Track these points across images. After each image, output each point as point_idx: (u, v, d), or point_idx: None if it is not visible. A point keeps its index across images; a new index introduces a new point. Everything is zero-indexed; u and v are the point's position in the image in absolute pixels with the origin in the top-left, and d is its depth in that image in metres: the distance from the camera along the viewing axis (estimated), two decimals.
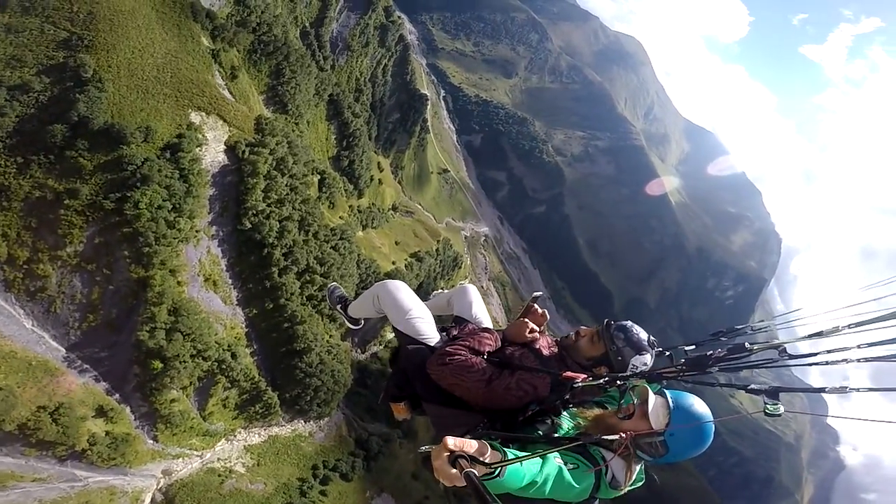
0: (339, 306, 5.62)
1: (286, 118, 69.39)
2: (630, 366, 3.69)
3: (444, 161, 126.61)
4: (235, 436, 53.25)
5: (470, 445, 2.24)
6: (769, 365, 2.87)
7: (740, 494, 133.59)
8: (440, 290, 5.36)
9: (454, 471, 2.13)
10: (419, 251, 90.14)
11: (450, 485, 2.18)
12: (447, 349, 3.94)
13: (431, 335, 4.26)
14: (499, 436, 3.29)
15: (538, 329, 4.23)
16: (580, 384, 3.56)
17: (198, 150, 49.36)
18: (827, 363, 2.54)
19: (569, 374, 3.66)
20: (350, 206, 79.05)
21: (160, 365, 44.45)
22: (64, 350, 43.21)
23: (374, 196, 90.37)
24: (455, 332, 4.30)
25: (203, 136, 50.52)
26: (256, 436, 55.28)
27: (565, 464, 2.89)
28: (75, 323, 43.64)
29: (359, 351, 73.06)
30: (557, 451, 2.95)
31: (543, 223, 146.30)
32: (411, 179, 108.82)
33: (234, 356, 50.80)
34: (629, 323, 3.84)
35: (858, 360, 2.45)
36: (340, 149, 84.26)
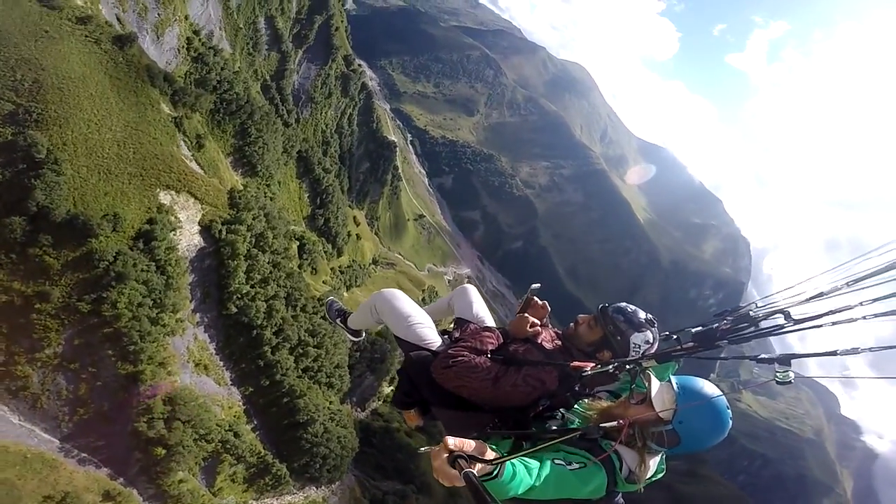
0: (338, 320, 5.54)
1: (257, 182, 67.39)
2: (631, 345, 3.62)
3: (418, 206, 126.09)
4: None
5: (469, 445, 2.25)
6: (777, 332, 2.78)
7: (776, 496, 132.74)
8: None
9: (453, 471, 2.13)
10: None
11: (449, 485, 2.19)
12: (449, 352, 3.86)
13: (433, 339, 4.15)
14: (509, 434, 3.38)
15: (539, 322, 4.13)
16: (589, 372, 3.46)
17: (172, 235, 45.68)
18: (834, 324, 2.52)
19: (577, 363, 3.55)
20: (332, 269, 77.74)
21: (163, 451, 42.81)
22: (58, 441, 40.50)
23: (353, 252, 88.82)
24: (457, 335, 4.18)
25: (175, 217, 46.85)
26: None
27: (570, 463, 2.82)
28: (65, 416, 40.69)
29: (359, 410, 71.14)
30: (562, 448, 2.89)
31: (522, 257, 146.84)
32: (388, 229, 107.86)
33: (236, 435, 49.32)
34: (625, 304, 3.77)
35: (865, 318, 2.44)
36: (314, 207, 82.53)
